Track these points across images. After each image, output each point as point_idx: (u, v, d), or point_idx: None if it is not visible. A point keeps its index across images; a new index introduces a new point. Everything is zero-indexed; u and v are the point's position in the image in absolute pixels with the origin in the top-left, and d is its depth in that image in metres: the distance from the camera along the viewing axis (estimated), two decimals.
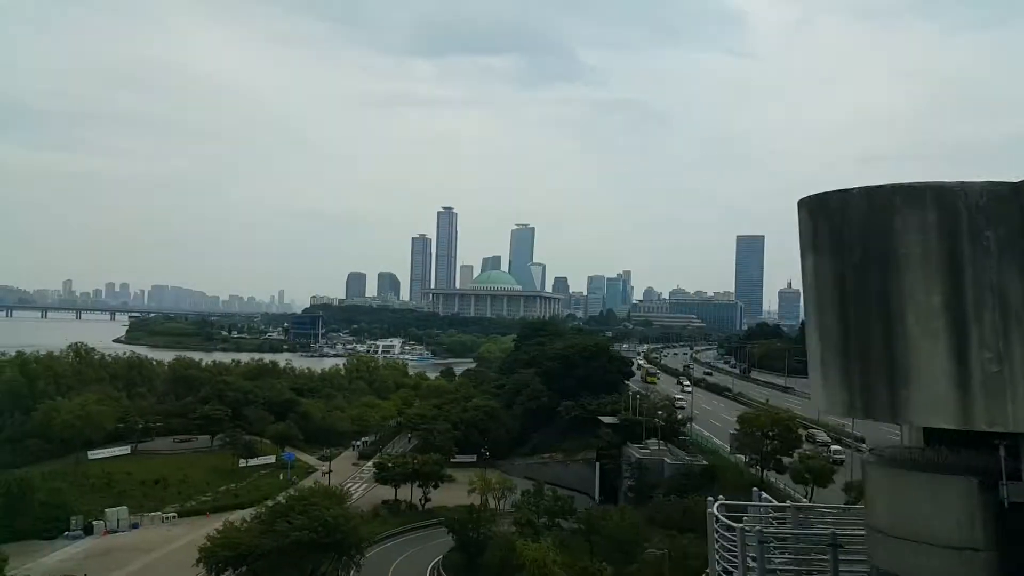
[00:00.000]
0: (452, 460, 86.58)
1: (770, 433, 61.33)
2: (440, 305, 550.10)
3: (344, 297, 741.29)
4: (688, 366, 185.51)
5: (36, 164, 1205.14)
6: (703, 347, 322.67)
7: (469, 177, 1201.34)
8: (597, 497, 78.41)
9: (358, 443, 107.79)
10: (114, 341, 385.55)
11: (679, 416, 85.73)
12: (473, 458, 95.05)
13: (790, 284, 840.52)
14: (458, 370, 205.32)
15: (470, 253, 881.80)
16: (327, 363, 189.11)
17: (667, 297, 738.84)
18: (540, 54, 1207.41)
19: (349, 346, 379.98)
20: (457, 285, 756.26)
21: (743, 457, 66.01)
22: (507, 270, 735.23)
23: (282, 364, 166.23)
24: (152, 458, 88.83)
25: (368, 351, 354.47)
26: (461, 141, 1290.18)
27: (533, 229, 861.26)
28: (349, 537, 46.43)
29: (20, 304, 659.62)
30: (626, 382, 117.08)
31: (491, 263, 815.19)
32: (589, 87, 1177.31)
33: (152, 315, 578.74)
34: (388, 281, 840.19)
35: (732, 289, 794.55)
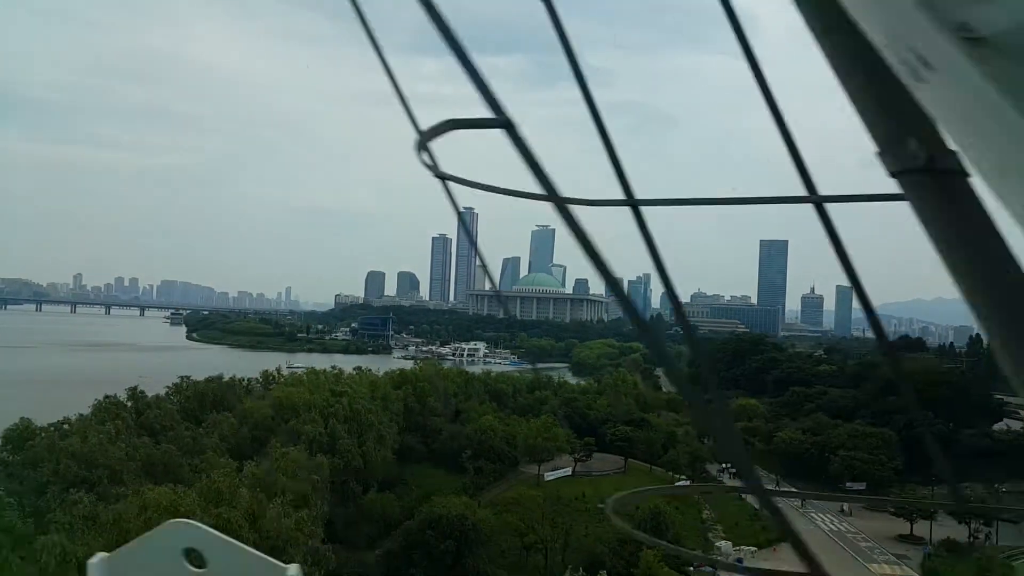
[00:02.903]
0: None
1: None
2: (484, 306, 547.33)
3: (363, 296, 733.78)
4: None
5: (40, 157, 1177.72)
6: None
7: (474, 176, 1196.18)
8: None
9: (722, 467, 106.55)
10: (187, 338, 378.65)
11: None
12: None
13: (812, 289, 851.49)
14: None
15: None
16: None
17: (688, 300, 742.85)
18: (545, 54, 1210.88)
19: (424, 348, 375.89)
20: (474, 286, 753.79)
21: None
22: (527, 271, 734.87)
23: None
24: (590, 478, 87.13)
25: (453, 354, 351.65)
26: (467, 139, 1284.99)
27: (553, 230, 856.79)
28: None
29: (36, 298, 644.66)
30: None
31: (511, 264, 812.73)
32: (596, 88, 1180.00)
33: (187, 311, 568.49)
34: (408, 280, 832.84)
35: (749, 293, 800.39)
